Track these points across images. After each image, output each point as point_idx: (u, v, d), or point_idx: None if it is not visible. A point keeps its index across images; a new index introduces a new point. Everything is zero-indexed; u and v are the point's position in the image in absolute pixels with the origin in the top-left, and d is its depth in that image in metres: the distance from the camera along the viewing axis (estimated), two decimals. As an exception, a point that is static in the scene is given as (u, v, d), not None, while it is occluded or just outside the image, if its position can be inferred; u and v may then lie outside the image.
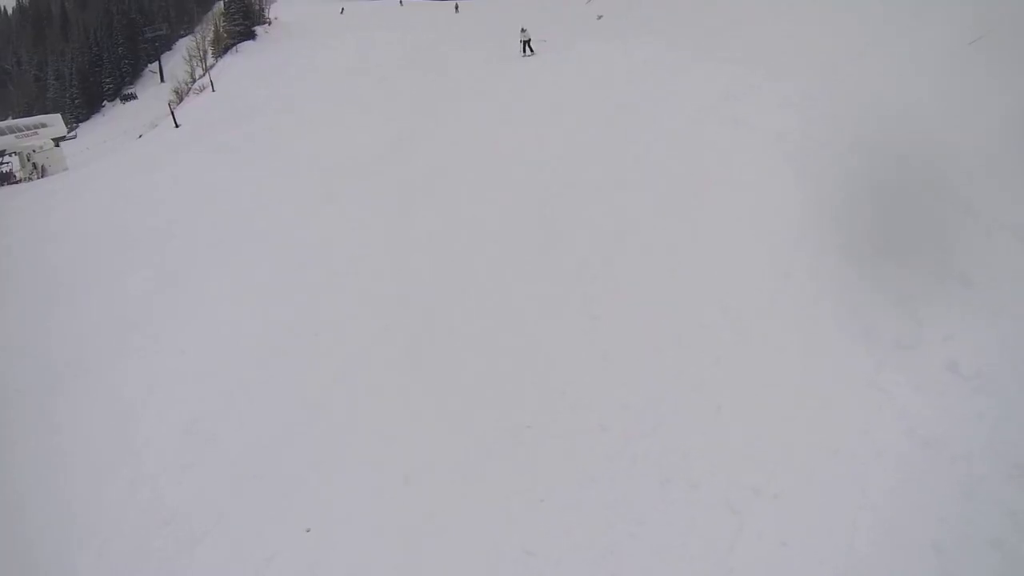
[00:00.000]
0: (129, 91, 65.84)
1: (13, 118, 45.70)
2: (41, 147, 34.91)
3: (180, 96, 44.47)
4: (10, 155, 35.12)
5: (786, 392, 4.78)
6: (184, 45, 57.09)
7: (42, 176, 31.38)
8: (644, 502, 4.15)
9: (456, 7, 43.70)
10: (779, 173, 7.42)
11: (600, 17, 24.46)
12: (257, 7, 50.52)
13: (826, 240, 6.12)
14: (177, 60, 55.89)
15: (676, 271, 6.45)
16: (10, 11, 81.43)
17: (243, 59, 42.91)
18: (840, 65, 8.89)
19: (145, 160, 21.23)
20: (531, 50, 22.55)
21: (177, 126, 32.10)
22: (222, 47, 48.27)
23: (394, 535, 4.23)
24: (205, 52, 50.42)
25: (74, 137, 38.83)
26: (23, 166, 34.33)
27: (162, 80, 60.92)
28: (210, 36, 51.27)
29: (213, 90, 37.77)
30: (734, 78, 10.28)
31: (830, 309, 5.40)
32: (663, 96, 11.11)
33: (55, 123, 39.26)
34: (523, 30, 23.01)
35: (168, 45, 67.60)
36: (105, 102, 65.77)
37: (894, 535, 3.80)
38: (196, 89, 42.81)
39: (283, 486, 4.80)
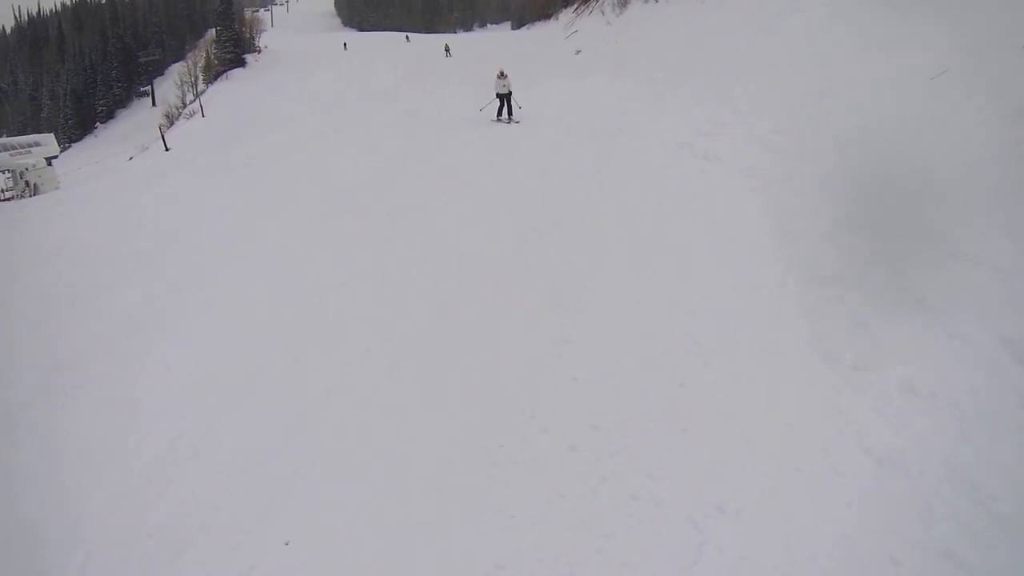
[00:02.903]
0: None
1: (7, 136, 45.75)
2: (34, 165, 34.82)
3: (171, 120, 44.76)
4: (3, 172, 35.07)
5: (748, 414, 4.94)
6: (176, 70, 57.55)
7: (34, 194, 31.19)
8: (612, 519, 4.26)
9: (446, 49, 38.48)
10: (746, 206, 7.73)
11: (578, 52, 24.85)
12: (248, 36, 51.17)
13: (788, 268, 6.36)
14: (169, 85, 56.13)
15: (645, 300, 6.65)
16: (8, 31, 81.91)
17: (233, 85, 43.23)
18: (807, 103, 9.24)
19: (135, 181, 21.35)
20: (509, 112, 15.66)
21: (167, 149, 32.24)
22: (213, 73, 48.70)
23: (368, 547, 4.30)
24: (196, 78, 50.91)
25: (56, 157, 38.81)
26: (16, 184, 34.21)
27: (153, 104, 61.25)
28: (201, 63, 51.77)
29: (203, 115, 38.00)
30: (706, 115, 10.63)
31: (791, 334, 5.60)
32: (637, 133, 11.43)
33: (48, 142, 39.26)
34: (502, 75, 15.62)
35: (160, 70, 68.21)
36: (98, 123, 66.13)
37: (852, 549, 3.91)
38: (187, 114, 43.07)
39: (263, 501, 4.87)
